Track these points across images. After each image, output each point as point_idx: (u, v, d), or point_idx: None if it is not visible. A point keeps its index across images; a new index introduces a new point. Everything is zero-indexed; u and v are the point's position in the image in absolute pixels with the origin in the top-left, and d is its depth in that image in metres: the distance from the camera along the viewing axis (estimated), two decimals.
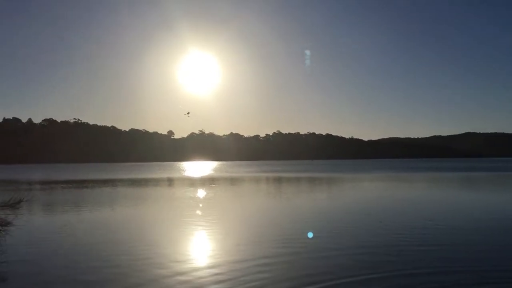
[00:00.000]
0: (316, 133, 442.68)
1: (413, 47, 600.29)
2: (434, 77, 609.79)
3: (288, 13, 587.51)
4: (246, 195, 43.54)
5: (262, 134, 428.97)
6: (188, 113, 43.04)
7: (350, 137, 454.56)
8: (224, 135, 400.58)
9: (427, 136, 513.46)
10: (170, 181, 69.42)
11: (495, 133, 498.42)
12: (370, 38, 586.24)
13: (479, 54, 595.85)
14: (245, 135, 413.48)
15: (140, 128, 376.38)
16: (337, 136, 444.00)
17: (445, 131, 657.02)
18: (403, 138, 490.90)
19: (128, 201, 36.20)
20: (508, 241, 18.17)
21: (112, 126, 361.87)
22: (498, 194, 41.84)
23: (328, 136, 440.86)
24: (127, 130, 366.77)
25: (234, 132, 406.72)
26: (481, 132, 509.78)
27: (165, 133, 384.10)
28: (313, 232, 19.57)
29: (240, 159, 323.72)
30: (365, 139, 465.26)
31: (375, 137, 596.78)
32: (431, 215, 25.70)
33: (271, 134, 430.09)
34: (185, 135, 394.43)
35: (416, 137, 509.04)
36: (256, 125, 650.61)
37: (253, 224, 23.41)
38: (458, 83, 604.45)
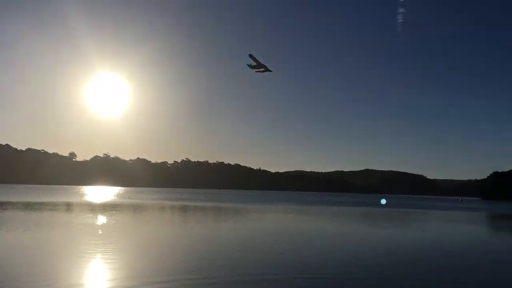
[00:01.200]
0: (225, 162, 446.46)
1: (318, 83, 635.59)
2: (339, 113, 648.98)
3: (200, 39, 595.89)
4: (147, 223, 42.96)
5: (171, 161, 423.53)
6: (258, 66, 36.48)
7: (258, 168, 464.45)
8: (130, 159, 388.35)
9: (331, 170, 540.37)
10: (68, 206, 66.00)
11: (390, 171, 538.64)
12: (280, 68, 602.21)
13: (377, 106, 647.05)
14: (153, 161, 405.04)
15: (38, 148, 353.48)
16: (245, 167, 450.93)
17: (347, 167, 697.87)
18: (308, 171, 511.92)
19: (19, 227, 34.00)
20: (382, 267, 20.40)
21: (6, 144, 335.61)
22: (387, 229, 45.71)
23: (237, 166, 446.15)
24: (23, 149, 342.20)
25: (141, 157, 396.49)
26: (378, 169, 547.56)
27: (67, 154, 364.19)
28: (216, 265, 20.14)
29: (147, 186, 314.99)
30: (273, 170, 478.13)
31: (282, 169, 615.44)
32: (327, 246, 27.75)
33: (179, 161, 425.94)
34: (88, 158, 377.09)
35: (320, 171, 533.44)
36: (164, 151, 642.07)
37: (151, 254, 23.50)
38: (359, 122, 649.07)
